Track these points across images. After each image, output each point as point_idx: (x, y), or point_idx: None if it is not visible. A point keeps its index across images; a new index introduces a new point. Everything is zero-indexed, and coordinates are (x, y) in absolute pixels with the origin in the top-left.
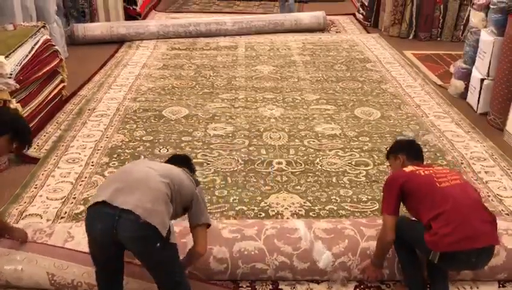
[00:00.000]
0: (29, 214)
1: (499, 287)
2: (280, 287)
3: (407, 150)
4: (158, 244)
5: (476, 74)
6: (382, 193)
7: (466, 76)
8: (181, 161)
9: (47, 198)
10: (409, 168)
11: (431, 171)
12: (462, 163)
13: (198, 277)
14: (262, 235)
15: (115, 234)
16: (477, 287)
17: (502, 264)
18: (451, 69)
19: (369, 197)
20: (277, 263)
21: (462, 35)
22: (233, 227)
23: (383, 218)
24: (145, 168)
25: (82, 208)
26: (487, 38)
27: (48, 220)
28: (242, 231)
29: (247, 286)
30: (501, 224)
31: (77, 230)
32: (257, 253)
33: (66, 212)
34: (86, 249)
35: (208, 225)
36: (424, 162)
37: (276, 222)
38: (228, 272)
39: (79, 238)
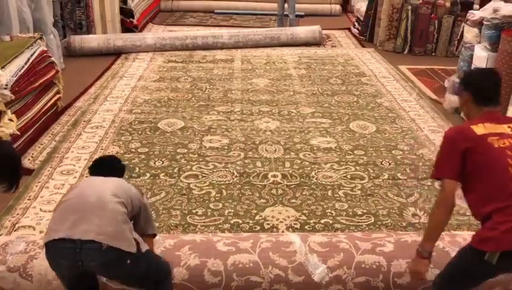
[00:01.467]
0: (22, 226)
1: None
2: None
3: (475, 87)
4: (128, 261)
5: None
6: (439, 149)
7: (460, 91)
8: (114, 167)
9: (40, 210)
10: (480, 128)
11: (506, 143)
12: None
13: None
14: (257, 248)
15: (81, 266)
16: None
17: (499, 279)
18: (446, 83)
19: (365, 211)
20: (272, 276)
21: (456, 51)
22: (228, 240)
23: (441, 183)
24: (95, 190)
25: None
26: (481, 54)
27: (41, 232)
28: (237, 244)
29: None
30: None
31: None
32: (252, 266)
33: None
34: None
35: (154, 235)
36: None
37: (271, 235)
38: (222, 284)
39: None
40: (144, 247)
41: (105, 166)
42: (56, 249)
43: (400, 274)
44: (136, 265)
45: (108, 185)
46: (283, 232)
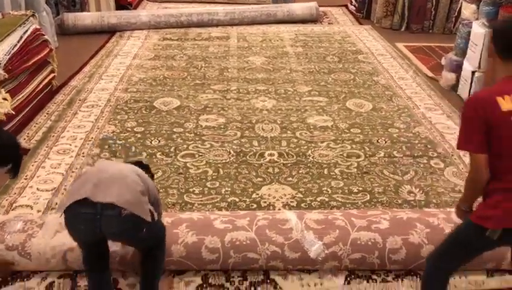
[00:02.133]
0: (19, 205)
1: (487, 276)
2: (271, 277)
3: (501, 39)
4: (144, 230)
5: (467, 67)
6: (461, 119)
7: (457, 68)
8: (144, 167)
9: (37, 189)
10: (506, 102)
11: None
12: (452, 155)
13: None
14: (254, 225)
15: (99, 233)
16: (466, 277)
17: (489, 253)
18: (443, 61)
19: (360, 188)
20: (268, 253)
21: (453, 28)
22: (225, 218)
23: (470, 157)
24: (115, 166)
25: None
26: (479, 31)
27: (38, 211)
28: (234, 221)
29: (238, 277)
30: None
31: None
32: (249, 243)
33: (56, 203)
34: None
35: None
36: None
37: (268, 213)
38: (220, 261)
39: None
40: (156, 216)
41: (137, 164)
42: (76, 214)
43: (395, 250)
44: (149, 233)
45: (129, 166)
46: (279, 210)
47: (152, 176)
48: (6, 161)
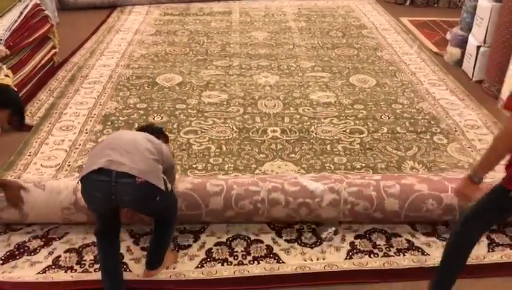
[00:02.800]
0: (24, 181)
1: (488, 251)
2: (274, 251)
3: None
4: (158, 198)
5: (473, 41)
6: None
7: (462, 43)
8: (157, 131)
9: (41, 165)
10: None
11: None
12: (456, 131)
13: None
14: (255, 175)
15: (114, 200)
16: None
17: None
18: (448, 36)
19: (363, 164)
20: (269, 187)
21: (459, 1)
22: (227, 175)
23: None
24: (129, 135)
25: (76, 175)
26: (485, 5)
27: None
28: (237, 175)
29: (241, 251)
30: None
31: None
32: (251, 181)
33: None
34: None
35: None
36: None
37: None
38: (223, 193)
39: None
40: (171, 187)
41: (150, 129)
42: (92, 182)
43: (389, 186)
44: (162, 202)
45: (141, 135)
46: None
47: (166, 139)
48: (6, 103)
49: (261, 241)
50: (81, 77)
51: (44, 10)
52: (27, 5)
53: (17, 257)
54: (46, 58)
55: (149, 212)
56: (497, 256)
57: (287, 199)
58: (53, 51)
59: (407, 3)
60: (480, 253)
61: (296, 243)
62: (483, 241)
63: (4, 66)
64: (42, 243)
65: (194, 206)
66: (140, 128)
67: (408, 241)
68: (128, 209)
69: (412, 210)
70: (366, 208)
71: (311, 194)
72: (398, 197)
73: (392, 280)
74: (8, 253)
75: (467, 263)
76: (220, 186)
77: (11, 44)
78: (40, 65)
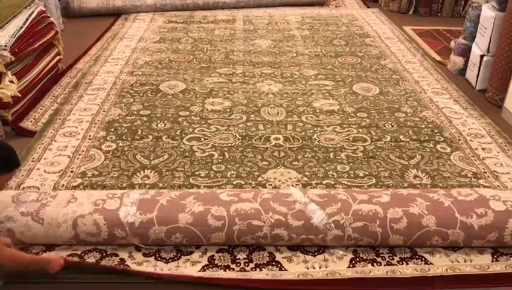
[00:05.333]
0: (26, 187)
1: (492, 261)
2: (277, 259)
3: None
4: None
5: (476, 50)
6: None
7: (465, 52)
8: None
9: (44, 171)
10: None
11: None
12: (459, 140)
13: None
14: (259, 198)
15: None
16: (471, 261)
17: (491, 224)
18: (451, 45)
19: (366, 172)
20: (272, 221)
21: (462, 11)
22: (230, 192)
23: None
24: None
25: (79, 181)
26: (488, 14)
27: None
28: (239, 195)
29: (244, 258)
30: (488, 191)
31: (80, 193)
32: (253, 212)
33: (63, 185)
34: (89, 209)
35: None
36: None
37: (272, 190)
38: (225, 228)
39: (82, 199)
40: None
41: None
42: None
43: (396, 220)
44: None
45: None
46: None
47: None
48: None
49: (264, 249)
50: (85, 83)
51: (49, 17)
52: (32, 12)
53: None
54: (51, 64)
55: None
56: (501, 266)
57: (290, 235)
58: (57, 58)
59: (411, 12)
60: (484, 262)
61: (298, 251)
62: (487, 250)
63: (9, 72)
64: None
65: (195, 240)
66: None
67: (411, 249)
68: None
69: (415, 244)
70: (369, 243)
71: (315, 229)
72: (403, 233)
73: (395, 288)
74: None
75: (469, 273)
76: (222, 221)
77: (16, 50)
78: (44, 71)
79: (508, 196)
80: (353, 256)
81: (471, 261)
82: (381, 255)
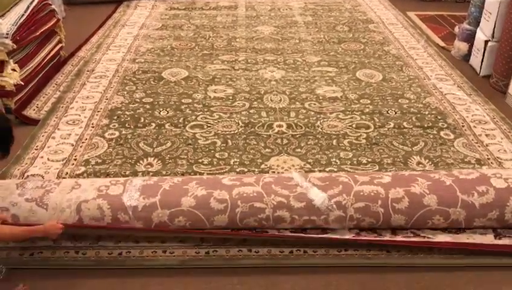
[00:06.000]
0: (30, 175)
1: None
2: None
3: None
4: None
5: (480, 36)
6: None
7: (470, 38)
8: None
9: (48, 159)
10: None
11: None
12: (463, 126)
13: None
14: (261, 182)
15: None
16: (474, 239)
17: (492, 202)
18: (455, 30)
19: (369, 159)
20: (274, 203)
21: None
22: (232, 177)
23: None
24: None
25: (83, 169)
26: None
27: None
28: (241, 179)
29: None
30: (490, 170)
31: (83, 181)
32: (255, 195)
33: (67, 173)
34: (93, 195)
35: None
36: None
37: (274, 174)
38: (228, 211)
39: (86, 186)
40: None
41: None
42: None
43: (397, 200)
44: None
45: None
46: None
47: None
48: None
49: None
50: (87, 71)
51: (50, 4)
52: (33, 0)
53: None
54: (53, 52)
55: None
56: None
57: (292, 216)
58: (59, 46)
59: None
60: (485, 240)
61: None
62: (489, 231)
63: (11, 61)
64: None
65: (198, 224)
66: None
67: (413, 233)
68: None
69: (416, 224)
70: (371, 224)
71: (317, 210)
72: (405, 213)
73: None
74: None
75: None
76: (224, 204)
77: (18, 38)
78: (46, 59)
79: (510, 173)
80: (354, 234)
81: (474, 239)
82: (382, 236)
